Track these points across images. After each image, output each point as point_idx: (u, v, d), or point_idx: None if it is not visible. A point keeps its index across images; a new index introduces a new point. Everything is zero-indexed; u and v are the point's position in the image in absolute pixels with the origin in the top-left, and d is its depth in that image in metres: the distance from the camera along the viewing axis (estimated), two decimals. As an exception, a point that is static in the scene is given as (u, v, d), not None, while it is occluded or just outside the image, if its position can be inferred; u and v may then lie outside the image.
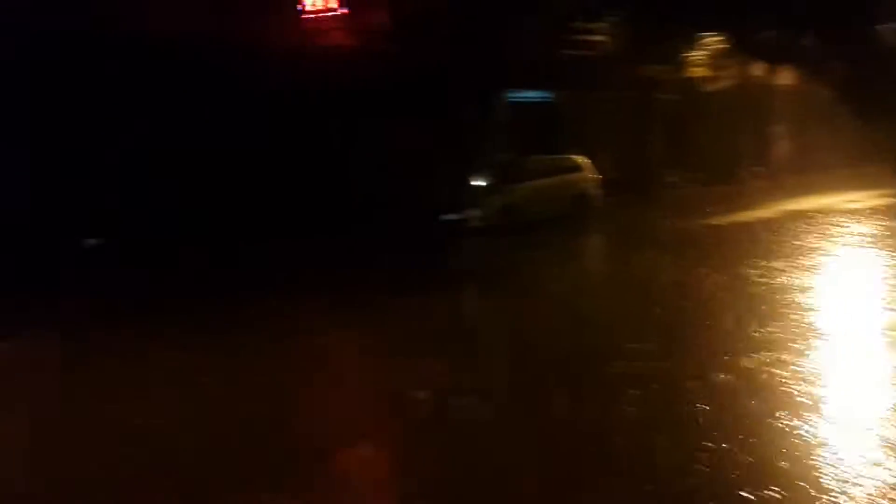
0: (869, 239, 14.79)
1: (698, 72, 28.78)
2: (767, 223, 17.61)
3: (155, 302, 12.30)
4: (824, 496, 5.03)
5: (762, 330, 8.67)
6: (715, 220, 18.68)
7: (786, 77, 31.00)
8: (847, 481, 5.17)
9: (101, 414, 7.31)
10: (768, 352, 7.83)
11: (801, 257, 13.00)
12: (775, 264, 12.34)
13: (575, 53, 24.60)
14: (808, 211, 19.27)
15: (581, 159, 21.08)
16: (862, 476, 5.24)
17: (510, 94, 23.61)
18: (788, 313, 9.32)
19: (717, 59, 28.94)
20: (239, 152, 18.34)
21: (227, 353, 9.09)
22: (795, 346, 8.03)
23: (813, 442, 5.78)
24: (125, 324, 10.84)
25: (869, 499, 4.99)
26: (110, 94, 17.12)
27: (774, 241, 14.97)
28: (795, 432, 5.94)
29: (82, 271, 15.09)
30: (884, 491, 5.05)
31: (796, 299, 10.06)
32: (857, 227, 16.31)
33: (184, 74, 17.53)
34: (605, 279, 13.20)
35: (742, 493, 5.07)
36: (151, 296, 12.88)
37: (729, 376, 7.23)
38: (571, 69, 23.72)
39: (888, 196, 20.93)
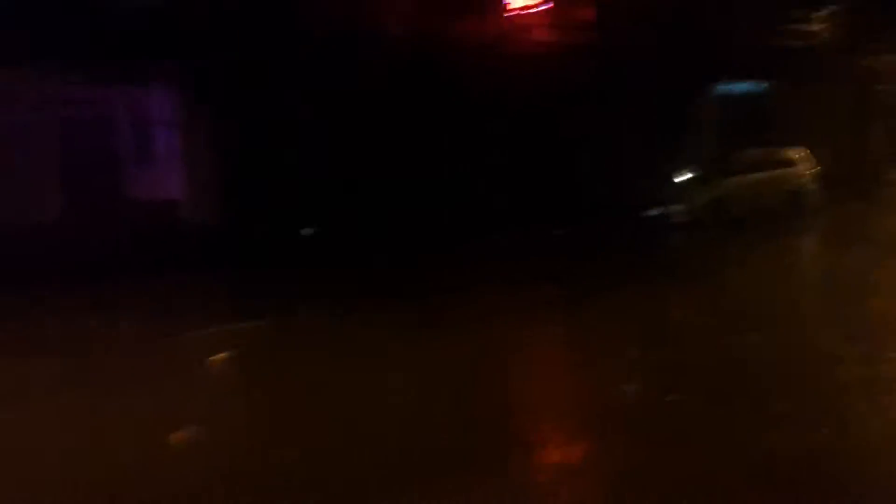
0: None
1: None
2: None
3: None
4: None
5: None
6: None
7: None
8: None
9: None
10: None
11: None
12: None
13: (792, 43, 23.56)
14: None
15: (797, 153, 20.18)
16: None
17: (722, 86, 22.93)
18: None
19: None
20: (456, 149, 18.73)
21: (449, 339, 9.34)
22: None
23: None
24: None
25: None
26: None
27: None
28: None
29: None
30: None
31: None
32: None
33: (406, 75, 18.10)
34: (820, 278, 12.64)
35: None
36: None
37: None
38: (788, 60, 22.74)
39: None
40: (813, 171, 19.98)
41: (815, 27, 24.67)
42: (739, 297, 11.19)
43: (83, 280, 13.83)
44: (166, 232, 17.30)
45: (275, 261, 15.37)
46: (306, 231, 18.08)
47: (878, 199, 21.51)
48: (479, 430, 6.39)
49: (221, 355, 8.77)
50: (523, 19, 21.64)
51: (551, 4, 21.62)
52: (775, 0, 22.76)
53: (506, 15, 21.64)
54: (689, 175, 19.19)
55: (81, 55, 16.18)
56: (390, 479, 5.52)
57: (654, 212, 18.56)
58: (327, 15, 17.91)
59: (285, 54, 17.36)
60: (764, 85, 23.75)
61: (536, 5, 21.68)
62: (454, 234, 16.79)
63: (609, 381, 7.53)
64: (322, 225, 18.04)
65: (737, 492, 5.15)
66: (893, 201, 21.28)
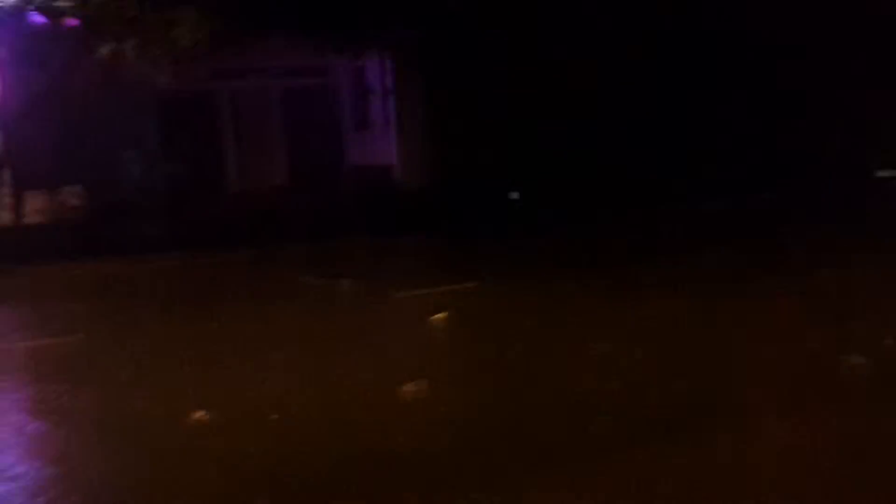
0: None
1: None
2: None
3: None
4: None
5: None
6: None
7: None
8: None
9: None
10: None
11: None
12: None
13: None
14: None
15: None
16: None
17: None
18: None
19: None
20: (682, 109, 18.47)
21: (666, 305, 9.38)
22: None
23: None
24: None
25: None
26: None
27: None
28: None
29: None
30: None
31: None
32: None
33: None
34: None
35: None
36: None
37: None
38: None
39: None
40: None
41: None
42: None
43: (307, 242, 14.79)
44: (382, 196, 18.10)
45: (484, 224, 15.75)
46: (514, 195, 18.38)
47: None
48: (688, 400, 6.42)
49: (441, 314, 9.17)
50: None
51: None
52: None
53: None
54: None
55: (306, 27, 17.08)
56: (595, 445, 5.65)
57: (888, 173, 17.63)
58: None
59: (496, 22, 17.61)
60: None
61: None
62: (672, 197, 16.62)
63: (834, 352, 7.32)
64: (531, 189, 18.29)
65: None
66: None
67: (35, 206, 16.00)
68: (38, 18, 15.57)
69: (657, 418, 6.02)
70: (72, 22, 15.62)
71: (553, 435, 5.88)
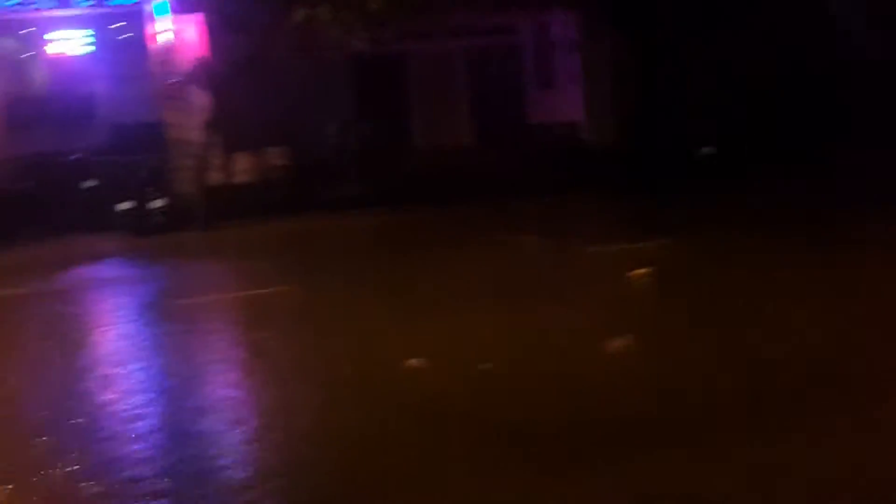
0: None
1: None
2: None
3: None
4: None
5: None
6: None
7: None
8: None
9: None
10: None
11: None
12: None
13: None
14: None
15: None
16: None
17: None
18: None
19: None
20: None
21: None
22: None
23: None
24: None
25: None
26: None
27: None
28: None
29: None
30: None
31: None
32: None
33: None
34: None
35: None
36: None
37: None
38: None
39: None
40: None
41: None
42: None
43: (495, 199, 14.97)
44: (568, 153, 18.03)
45: (674, 181, 15.45)
46: (706, 150, 17.91)
47: None
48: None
49: (641, 270, 9.14)
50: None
51: None
52: None
53: None
54: None
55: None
56: (768, 410, 5.50)
57: None
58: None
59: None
60: None
61: None
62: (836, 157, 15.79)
63: None
64: (722, 145, 17.79)
65: None
66: None
67: (242, 167, 16.90)
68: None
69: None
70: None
71: (729, 397, 5.74)
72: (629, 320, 7.64)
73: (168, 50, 16.79)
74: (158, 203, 15.31)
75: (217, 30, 16.98)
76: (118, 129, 16.74)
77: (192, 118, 16.35)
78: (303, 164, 16.84)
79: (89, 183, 15.85)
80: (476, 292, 9.21)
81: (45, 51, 17.87)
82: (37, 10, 17.16)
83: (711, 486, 4.45)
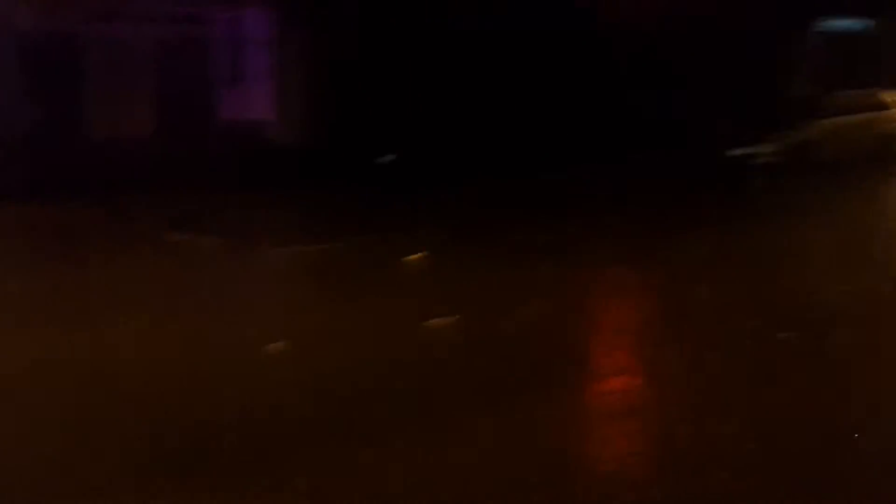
0: None
1: None
2: None
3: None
4: None
5: None
6: None
7: None
8: None
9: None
10: None
11: None
12: None
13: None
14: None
15: (892, 97, 19.59)
16: None
17: (820, 24, 22.24)
18: None
19: None
20: (533, 81, 18.70)
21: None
22: None
23: None
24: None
25: None
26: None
27: None
28: None
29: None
30: None
31: None
32: None
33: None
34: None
35: None
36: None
37: None
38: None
39: None
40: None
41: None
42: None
43: (171, 197, 14.39)
44: (255, 152, 17.80)
45: (360, 184, 15.69)
46: (389, 156, 18.35)
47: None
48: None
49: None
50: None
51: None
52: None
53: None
54: (780, 115, 18.81)
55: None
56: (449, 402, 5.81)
57: (741, 152, 18.27)
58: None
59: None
60: (865, 24, 22.94)
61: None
62: (529, 165, 16.85)
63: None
64: (407, 150, 18.30)
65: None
66: None
67: None
68: None
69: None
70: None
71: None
72: (288, 325, 7.65)
73: None
74: None
75: None
76: None
77: None
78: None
79: None
80: (134, 298, 8.84)
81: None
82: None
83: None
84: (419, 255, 9.50)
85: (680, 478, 4.72)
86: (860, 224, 12.63)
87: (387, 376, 6.40)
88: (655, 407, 5.90)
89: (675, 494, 4.56)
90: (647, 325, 8.04)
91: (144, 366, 6.74)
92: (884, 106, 19.39)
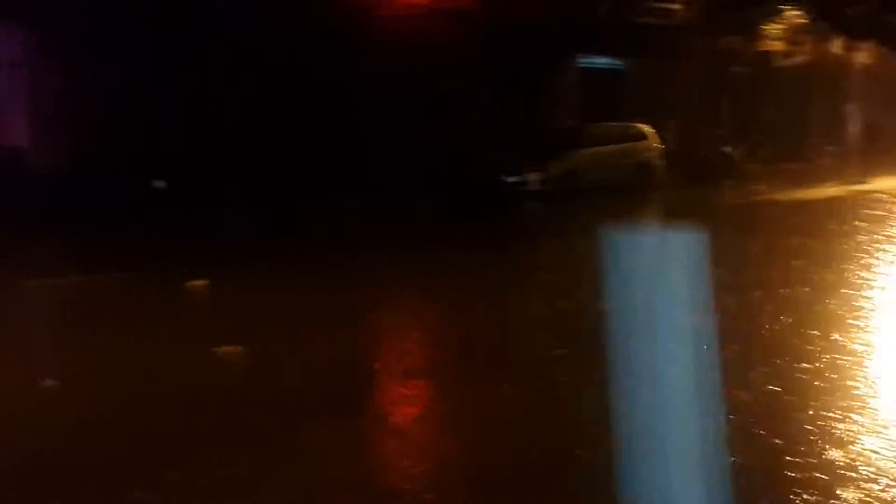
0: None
1: (774, 45, 28.29)
2: (829, 202, 17.45)
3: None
4: None
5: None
6: (771, 197, 18.64)
7: (865, 55, 30.29)
8: None
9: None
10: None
11: (860, 235, 12.99)
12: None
13: (650, 21, 24.38)
14: (872, 192, 19.01)
15: (646, 128, 20.99)
16: None
17: (580, 60, 23.54)
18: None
19: (794, 33, 28.40)
20: (307, 111, 18.64)
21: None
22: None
23: None
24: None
25: None
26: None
27: (829, 218, 14.91)
28: None
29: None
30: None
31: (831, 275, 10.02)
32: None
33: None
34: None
35: None
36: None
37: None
38: (645, 37, 23.53)
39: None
40: (659, 146, 20.84)
41: (674, 5, 25.58)
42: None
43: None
44: (9, 181, 16.61)
45: (123, 213, 15.02)
46: (158, 183, 17.70)
47: (719, 176, 22.54)
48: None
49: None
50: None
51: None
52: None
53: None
54: (545, 145, 19.70)
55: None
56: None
57: (513, 179, 18.96)
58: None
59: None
60: (622, 60, 24.51)
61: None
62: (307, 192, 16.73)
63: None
64: (175, 177, 17.70)
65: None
66: (732, 177, 22.36)
67: None
68: None
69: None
70: None
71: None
72: (57, 360, 7.18)
73: None
74: None
75: None
76: None
77: None
78: None
79: None
80: None
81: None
82: None
83: None
84: (200, 282, 9.11)
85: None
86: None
87: (154, 411, 6.05)
88: (436, 428, 5.89)
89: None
90: (431, 346, 8.08)
91: None
92: (641, 136, 20.74)
